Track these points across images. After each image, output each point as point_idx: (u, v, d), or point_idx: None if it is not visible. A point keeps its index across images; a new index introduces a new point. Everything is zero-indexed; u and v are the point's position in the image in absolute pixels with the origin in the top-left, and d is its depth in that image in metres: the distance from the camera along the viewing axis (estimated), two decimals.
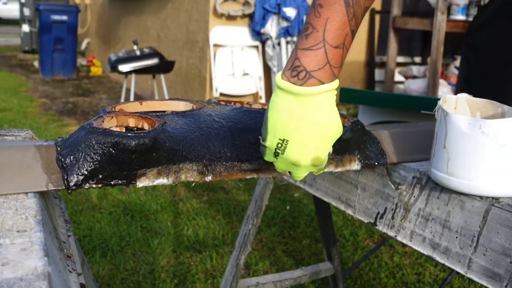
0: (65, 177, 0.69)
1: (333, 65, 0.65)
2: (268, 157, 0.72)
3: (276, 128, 0.67)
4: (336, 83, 0.66)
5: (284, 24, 4.49)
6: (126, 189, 2.92)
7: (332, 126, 0.67)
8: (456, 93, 1.05)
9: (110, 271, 2.08)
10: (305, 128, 0.66)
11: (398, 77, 4.85)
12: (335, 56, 0.65)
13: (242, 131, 0.82)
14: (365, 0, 0.65)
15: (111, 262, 2.14)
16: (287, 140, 0.67)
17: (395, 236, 0.93)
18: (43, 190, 0.68)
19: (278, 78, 0.67)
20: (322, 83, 0.65)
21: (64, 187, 0.69)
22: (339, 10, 0.63)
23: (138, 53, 4.52)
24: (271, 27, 4.52)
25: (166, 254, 2.23)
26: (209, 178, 0.78)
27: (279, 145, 0.68)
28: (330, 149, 0.71)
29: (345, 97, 1.97)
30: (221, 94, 4.53)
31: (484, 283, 0.77)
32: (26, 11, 8.74)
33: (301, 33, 0.65)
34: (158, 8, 5.57)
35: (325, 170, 0.90)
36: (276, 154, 0.70)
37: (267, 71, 4.72)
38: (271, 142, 0.69)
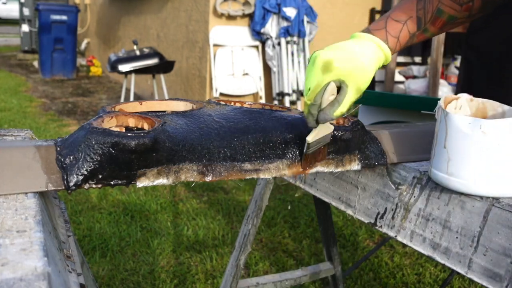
0: (65, 177, 0.69)
1: (389, 32, 0.83)
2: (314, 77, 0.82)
3: (328, 48, 0.80)
4: (386, 48, 0.84)
5: (284, 24, 4.49)
6: (126, 189, 2.92)
7: (370, 71, 0.83)
8: (456, 93, 1.05)
9: (110, 271, 2.08)
10: (349, 50, 0.81)
11: (398, 77, 4.85)
12: (393, 26, 0.84)
13: (242, 131, 0.82)
14: (437, 7, 0.85)
15: (111, 262, 2.14)
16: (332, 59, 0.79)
17: (395, 236, 0.93)
18: (42, 190, 0.68)
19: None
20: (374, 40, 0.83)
21: (64, 187, 0.69)
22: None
23: (138, 53, 4.52)
24: (271, 27, 4.52)
25: (166, 254, 2.23)
26: (209, 178, 0.78)
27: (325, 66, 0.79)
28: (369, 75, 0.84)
29: None
30: (221, 94, 4.53)
31: (485, 284, 0.77)
32: (26, 11, 8.73)
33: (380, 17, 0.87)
34: (158, 8, 5.57)
35: (325, 170, 0.90)
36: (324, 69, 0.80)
37: (267, 71, 4.72)
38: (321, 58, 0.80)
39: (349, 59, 0.80)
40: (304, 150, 0.83)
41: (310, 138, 0.81)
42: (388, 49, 0.84)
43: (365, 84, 0.82)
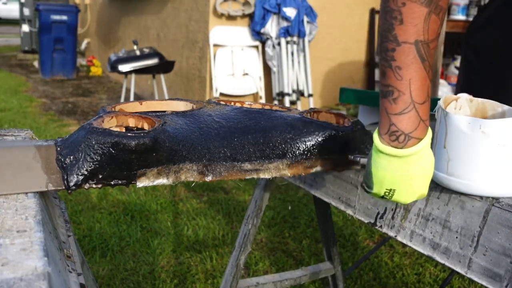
0: (65, 177, 0.69)
1: (425, 119, 0.70)
2: (374, 196, 0.79)
3: (384, 182, 0.74)
4: (430, 134, 0.72)
5: (284, 24, 4.49)
6: (126, 189, 2.92)
7: (430, 167, 0.74)
8: (456, 93, 1.05)
9: (110, 271, 2.08)
10: (411, 179, 0.73)
11: None
12: (425, 111, 0.70)
13: (242, 131, 0.82)
14: (434, 48, 0.69)
15: (111, 262, 2.14)
16: (394, 190, 0.74)
17: (395, 236, 0.93)
18: (43, 190, 0.68)
19: (378, 143, 0.72)
20: (420, 139, 0.71)
21: (64, 187, 0.69)
22: (418, 68, 0.67)
23: (138, 53, 4.52)
24: (271, 27, 4.52)
25: (166, 254, 2.23)
26: (209, 178, 0.78)
27: (386, 193, 0.76)
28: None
29: (345, 97, 1.97)
30: (221, 94, 4.53)
31: (484, 283, 0.77)
32: (26, 11, 8.73)
33: (386, 96, 0.70)
34: (158, 8, 5.57)
35: (326, 170, 0.90)
36: (383, 198, 0.77)
37: (267, 71, 4.72)
38: (378, 191, 0.76)
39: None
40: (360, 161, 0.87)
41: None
42: (431, 132, 0.75)
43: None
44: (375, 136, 0.73)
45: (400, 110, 0.69)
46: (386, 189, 0.75)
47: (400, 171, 0.72)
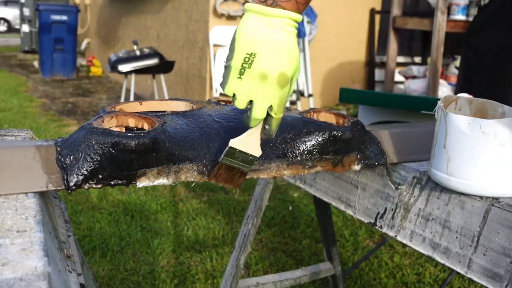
0: (65, 177, 0.69)
1: (299, 0, 0.69)
2: (231, 80, 0.71)
3: (245, 43, 0.69)
4: (299, 17, 0.70)
5: None
6: (126, 189, 2.92)
7: (296, 50, 0.70)
8: (456, 93, 1.05)
9: (110, 271, 2.08)
10: (273, 41, 0.69)
11: (398, 77, 4.85)
12: None
13: (242, 131, 0.82)
14: None
15: (111, 262, 2.14)
16: (255, 53, 0.69)
17: (395, 236, 0.93)
18: (43, 190, 0.68)
19: (247, 4, 0.71)
20: (286, 10, 0.69)
21: (64, 187, 0.69)
22: None
23: (138, 53, 4.52)
24: None
25: (166, 254, 2.23)
26: (210, 179, 0.78)
27: (246, 59, 0.69)
28: (296, 75, 0.72)
29: (345, 97, 1.97)
30: (221, 94, 4.53)
31: (484, 283, 0.77)
32: (26, 11, 8.74)
33: None
34: (158, 8, 5.57)
35: (326, 170, 0.90)
36: (241, 73, 0.70)
37: None
38: (238, 57, 0.70)
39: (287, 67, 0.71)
40: (223, 155, 0.76)
41: (236, 144, 0.75)
42: (301, 18, 0.72)
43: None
44: (248, 3, 0.72)
45: None
46: (247, 54, 0.69)
47: (263, 29, 0.69)
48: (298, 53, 0.71)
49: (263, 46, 0.69)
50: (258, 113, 0.73)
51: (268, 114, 0.73)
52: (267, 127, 0.75)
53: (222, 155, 0.76)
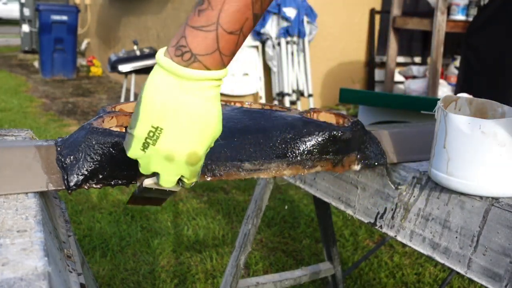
0: (65, 177, 0.69)
1: (224, 53, 0.56)
2: (134, 150, 0.60)
3: (151, 111, 0.57)
4: (224, 73, 0.58)
5: (284, 24, 4.49)
6: (126, 189, 2.92)
7: (213, 119, 0.59)
8: (455, 93, 1.05)
9: (110, 271, 2.08)
10: (184, 115, 0.57)
11: (398, 77, 4.85)
12: (228, 43, 0.56)
13: (242, 131, 0.83)
14: None
15: (111, 262, 2.14)
16: (161, 128, 0.57)
17: (395, 236, 0.94)
18: (43, 190, 0.69)
19: (159, 54, 0.57)
20: (208, 69, 0.56)
21: (64, 187, 0.69)
22: None
23: (138, 53, 4.52)
24: (271, 27, 4.52)
25: (166, 254, 2.23)
26: (209, 178, 0.78)
27: (151, 134, 0.58)
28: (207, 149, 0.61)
29: (345, 97, 1.97)
30: (221, 94, 4.52)
31: (484, 283, 0.77)
32: (26, 11, 8.74)
33: (195, 6, 0.56)
34: (158, 8, 5.57)
35: (326, 170, 0.90)
36: (145, 146, 0.59)
37: (267, 71, 4.72)
38: (142, 129, 0.58)
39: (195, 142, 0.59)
40: (137, 191, 0.70)
41: (151, 184, 0.66)
42: (226, 73, 0.59)
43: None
44: (161, 49, 0.58)
45: (199, 25, 0.55)
46: (152, 127, 0.57)
47: (174, 98, 0.56)
48: (218, 118, 0.59)
49: (171, 120, 0.57)
50: (165, 184, 0.63)
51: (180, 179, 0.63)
52: (180, 184, 0.65)
53: (137, 191, 0.70)
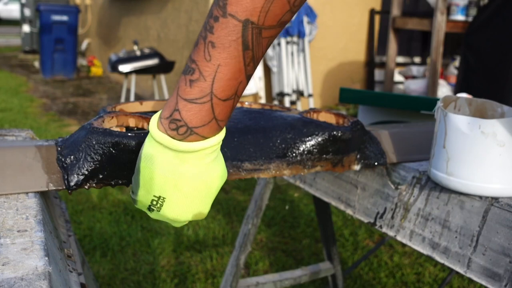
0: (66, 177, 0.69)
1: (220, 119, 0.55)
2: (140, 207, 0.62)
3: (152, 184, 0.58)
4: (221, 136, 0.57)
5: None
6: (126, 189, 2.92)
7: (215, 180, 0.59)
8: (455, 92, 1.06)
9: (110, 270, 2.08)
10: (185, 185, 0.57)
11: (397, 77, 4.86)
12: (223, 110, 0.54)
13: (242, 131, 0.83)
14: (268, 38, 0.53)
15: (111, 262, 2.14)
16: (163, 198, 0.58)
17: (395, 236, 0.94)
18: (43, 190, 0.69)
19: (153, 127, 0.56)
20: (205, 137, 0.55)
21: (64, 187, 0.69)
22: (234, 55, 0.51)
23: (138, 53, 4.52)
24: None
25: (166, 254, 2.24)
26: None
27: (154, 202, 0.59)
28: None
29: (345, 97, 1.97)
30: None
31: (484, 283, 0.77)
32: (27, 12, 8.74)
33: (185, 73, 0.54)
34: (159, 8, 5.57)
35: (325, 170, 0.90)
36: (150, 210, 0.61)
37: (267, 71, 4.72)
38: (144, 198, 0.59)
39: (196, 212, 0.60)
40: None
41: None
42: (223, 134, 0.58)
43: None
44: (154, 118, 0.57)
45: (192, 97, 0.53)
46: (154, 196, 0.58)
47: (173, 170, 0.56)
48: (221, 176, 0.60)
49: (172, 191, 0.57)
50: (173, 225, 0.64)
51: None
52: None
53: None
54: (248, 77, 0.54)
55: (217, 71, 0.52)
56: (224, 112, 0.55)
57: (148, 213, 0.62)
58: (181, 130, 0.54)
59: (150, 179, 0.57)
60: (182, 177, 0.56)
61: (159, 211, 0.59)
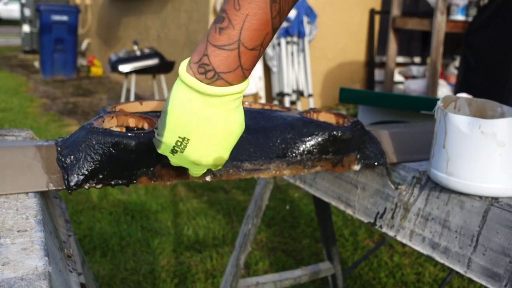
0: (66, 177, 0.69)
1: (245, 67, 0.58)
2: (163, 151, 0.65)
3: (177, 125, 0.61)
4: (246, 84, 0.60)
5: (284, 24, 4.49)
6: (126, 189, 2.92)
7: (236, 126, 0.63)
8: (455, 92, 1.06)
9: (110, 270, 2.08)
10: (209, 128, 0.61)
11: (397, 77, 4.86)
12: (249, 59, 0.58)
13: None
14: None
15: (111, 262, 2.14)
16: (188, 139, 0.61)
17: (395, 236, 0.94)
18: (43, 190, 0.69)
19: (182, 70, 0.60)
20: (231, 84, 0.59)
21: (64, 187, 0.69)
22: (262, 6, 0.55)
23: (138, 53, 4.52)
24: None
25: (166, 254, 2.24)
26: (209, 178, 0.78)
27: (179, 143, 0.62)
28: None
29: (345, 97, 1.97)
30: None
31: (484, 283, 0.77)
32: (27, 12, 8.74)
33: (215, 22, 0.57)
34: (159, 8, 5.57)
35: (325, 170, 0.90)
36: (174, 152, 0.64)
37: (267, 71, 4.72)
38: (169, 139, 0.62)
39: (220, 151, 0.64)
40: None
41: None
42: (247, 84, 0.62)
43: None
44: (183, 63, 0.61)
45: (221, 44, 0.57)
46: (179, 137, 0.61)
47: (199, 112, 0.59)
48: (241, 124, 0.63)
49: (196, 132, 0.61)
50: (193, 175, 0.70)
51: None
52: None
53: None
54: (274, 30, 0.58)
55: (245, 20, 0.55)
56: (249, 61, 0.58)
57: (171, 157, 0.65)
58: (209, 74, 0.58)
59: (177, 120, 0.60)
60: (206, 120, 0.60)
61: (182, 152, 0.63)
